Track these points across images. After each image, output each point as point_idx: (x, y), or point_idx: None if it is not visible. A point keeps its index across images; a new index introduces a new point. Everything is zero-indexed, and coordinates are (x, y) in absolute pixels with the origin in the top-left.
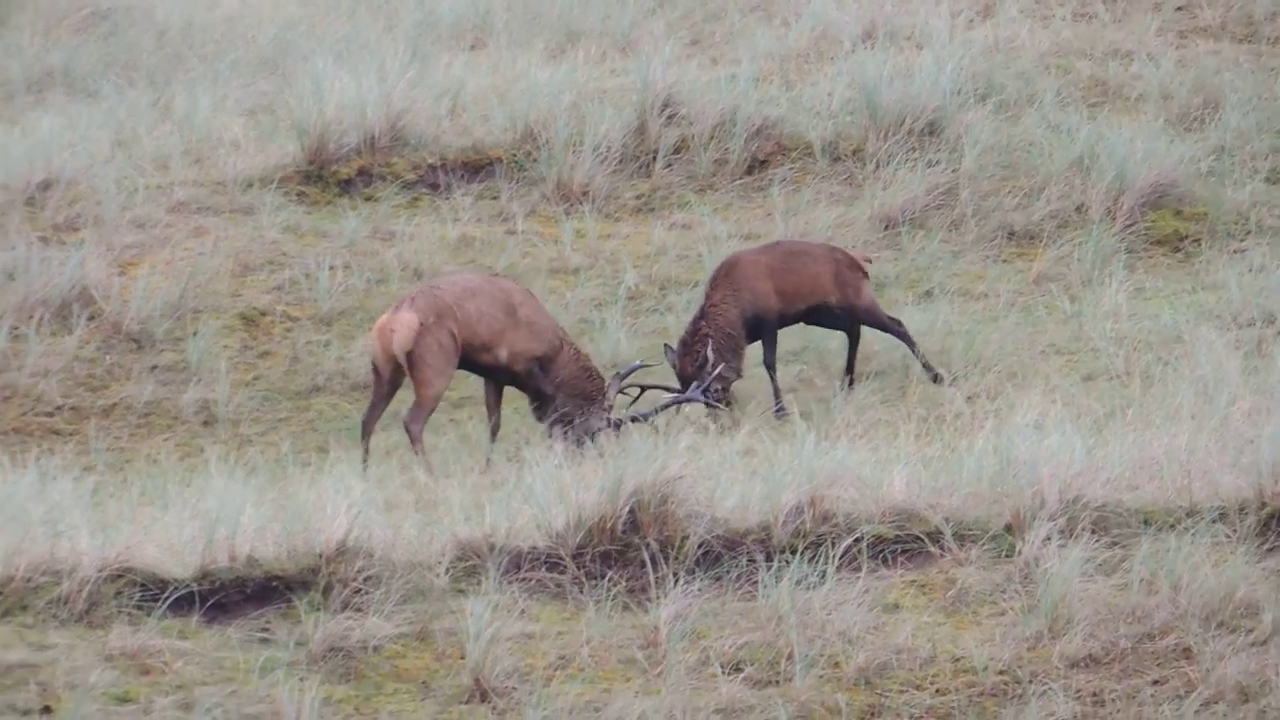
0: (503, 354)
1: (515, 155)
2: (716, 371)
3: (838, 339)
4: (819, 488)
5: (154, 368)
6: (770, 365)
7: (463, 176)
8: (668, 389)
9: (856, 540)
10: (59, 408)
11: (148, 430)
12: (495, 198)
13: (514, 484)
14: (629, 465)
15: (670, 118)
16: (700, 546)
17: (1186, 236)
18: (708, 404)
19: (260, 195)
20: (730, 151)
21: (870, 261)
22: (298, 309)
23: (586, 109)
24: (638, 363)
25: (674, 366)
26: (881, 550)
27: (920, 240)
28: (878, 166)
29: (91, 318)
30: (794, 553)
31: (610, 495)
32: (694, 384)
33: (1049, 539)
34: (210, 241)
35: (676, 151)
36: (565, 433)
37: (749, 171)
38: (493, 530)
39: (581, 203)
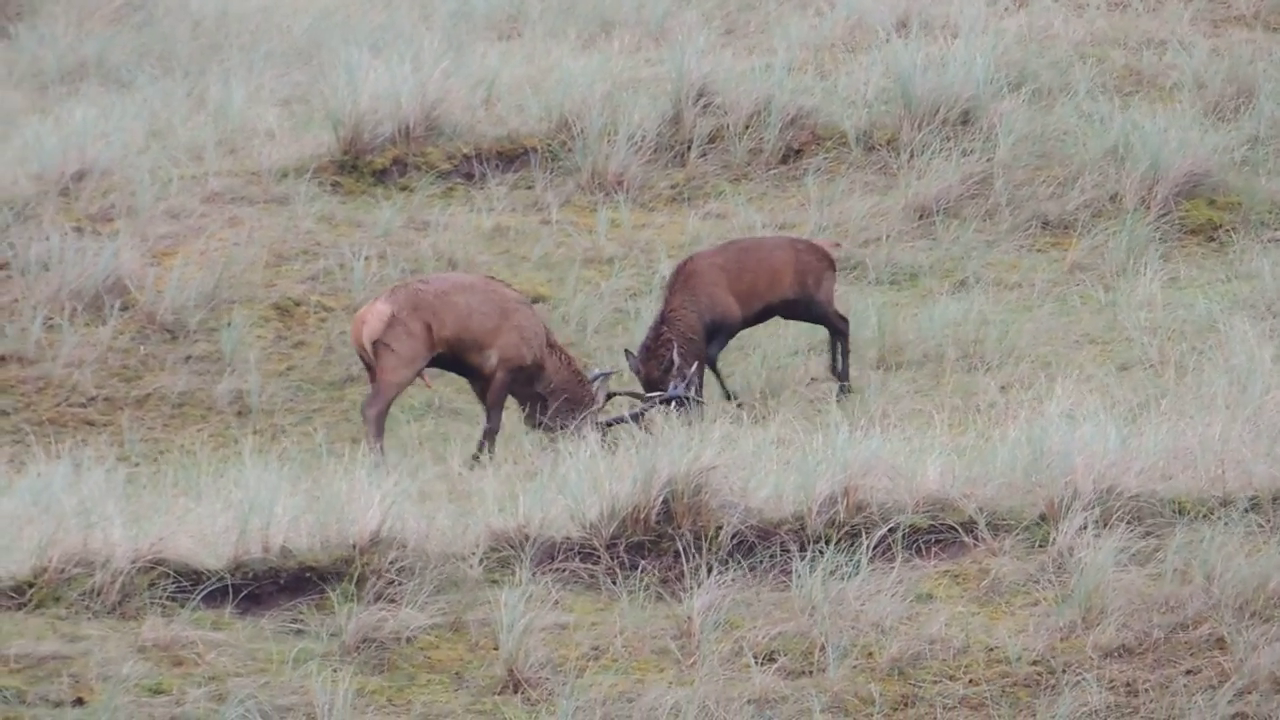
0: (492, 357)
1: (550, 145)
2: (690, 375)
3: (870, 328)
4: (853, 477)
5: (188, 358)
6: (713, 363)
7: (497, 166)
8: (635, 395)
9: (890, 530)
10: (93, 398)
11: (181, 421)
12: (530, 187)
13: (548, 475)
14: (663, 455)
15: (705, 107)
16: (734, 537)
17: (1220, 226)
18: (680, 403)
19: (295, 185)
20: (765, 141)
21: (839, 247)
22: (332, 299)
23: (621, 98)
24: (608, 369)
25: (637, 372)
26: (915, 540)
27: (954, 230)
28: (912, 156)
29: (125, 308)
30: (828, 543)
31: (644, 485)
32: (673, 385)
33: (1083, 529)
34: (244, 232)
35: (711, 141)
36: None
37: (783, 161)
38: (526, 521)
39: (616, 192)
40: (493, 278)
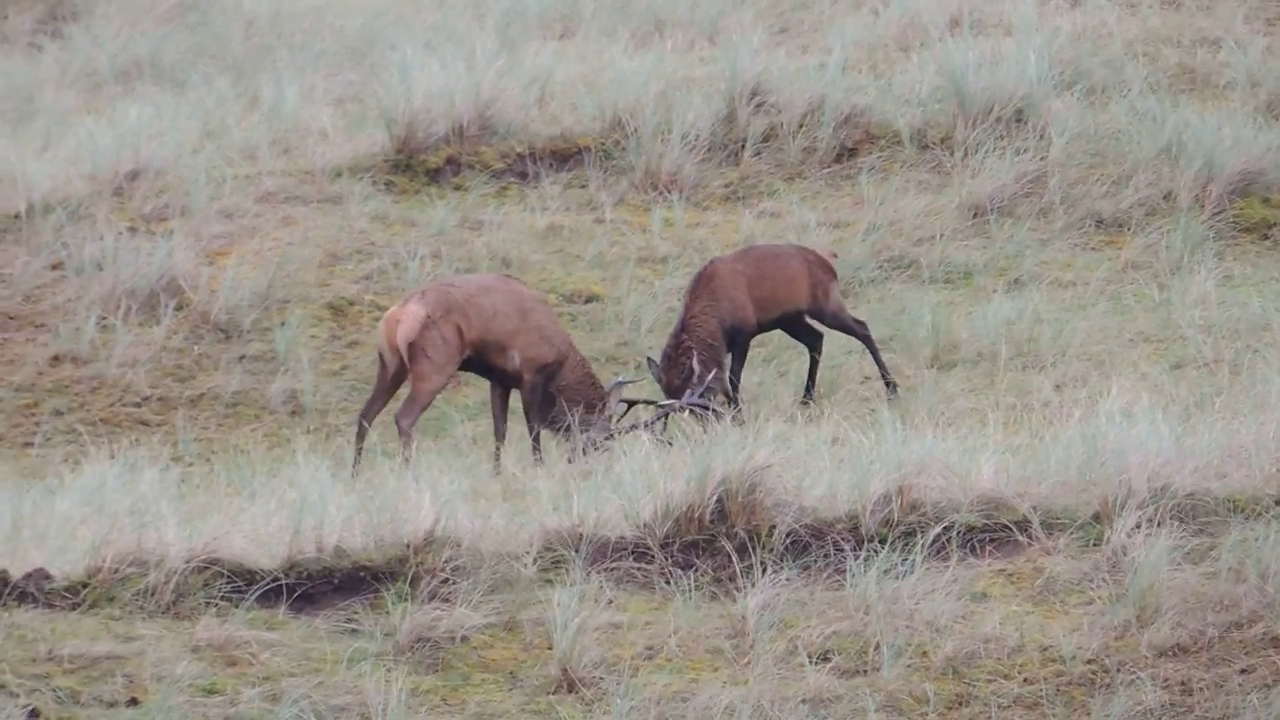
0: (514, 357)
1: (603, 144)
2: (705, 383)
3: (924, 326)
4: (907, 476)
5: (242, 358)
6: (736, 382)
7: (551, 165)
8: (650, 402)
9: (945, 529)
10: (147, 398)
11: (235, 420)
12: (584, 186)
13: (602, 474)
14: (717, 454)
15: (758, 106)
16: (788, 536)
17: (1275, 224)
18: (696, 412)
19: (349, 185)
20: (819, 140)
21: (836, 257)
22: (386, 299)
23: (674, 97)
24: (627, 377)
25: (658, 380)
26: (970, 539)
27: (1009, 228)
28: (966, 154)
29: (179, 308)
30: (882, 542)
31: (698, 485)
32: (687, 393)
33: (1137, 527)
34: (298, 231)
35: (765, 140)
36: (568, 439)
37: (837, 160)
38: (580, 520)
39: (670, 191)
40: (510, 276)
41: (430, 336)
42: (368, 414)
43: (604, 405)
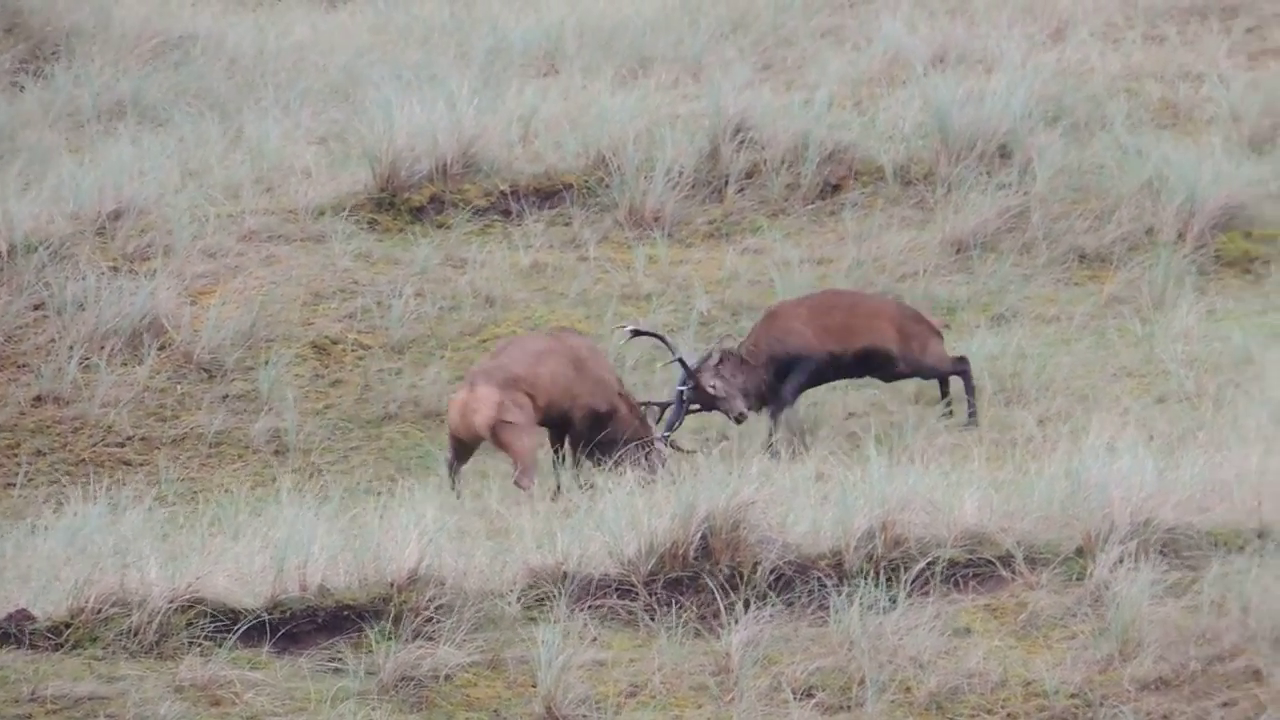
0: (574, 411)
1: (587, 181)
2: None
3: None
4: (890, 512)
5: (225, 397)
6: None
7: (535, 203)
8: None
9: (928, 564)
10: (129, 438)
11: (218, 460)
12: (567, 224)
13: (585, 511)
14: (701, 491)
15: (742, 143)
16: (772, 572)
17: (1257, 258)
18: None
19: (332, 223)
20: (802, 176)
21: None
22: (369, 337)
23: (658, 134)
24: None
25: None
26: (953, 574)
27: (992, 263)
28: (949, 190)
29: (162, 347)
30: (865, 577)
31: (682, 522)
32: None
33: (1120, 562)
34: (282, 270)
35: (748, 176)
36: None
37: (821, 196)
38: (564, 558)
39: (653, 228)
40: (562, 329)
41: (507, 408)
42: (453, 478)
43: (650, 431)
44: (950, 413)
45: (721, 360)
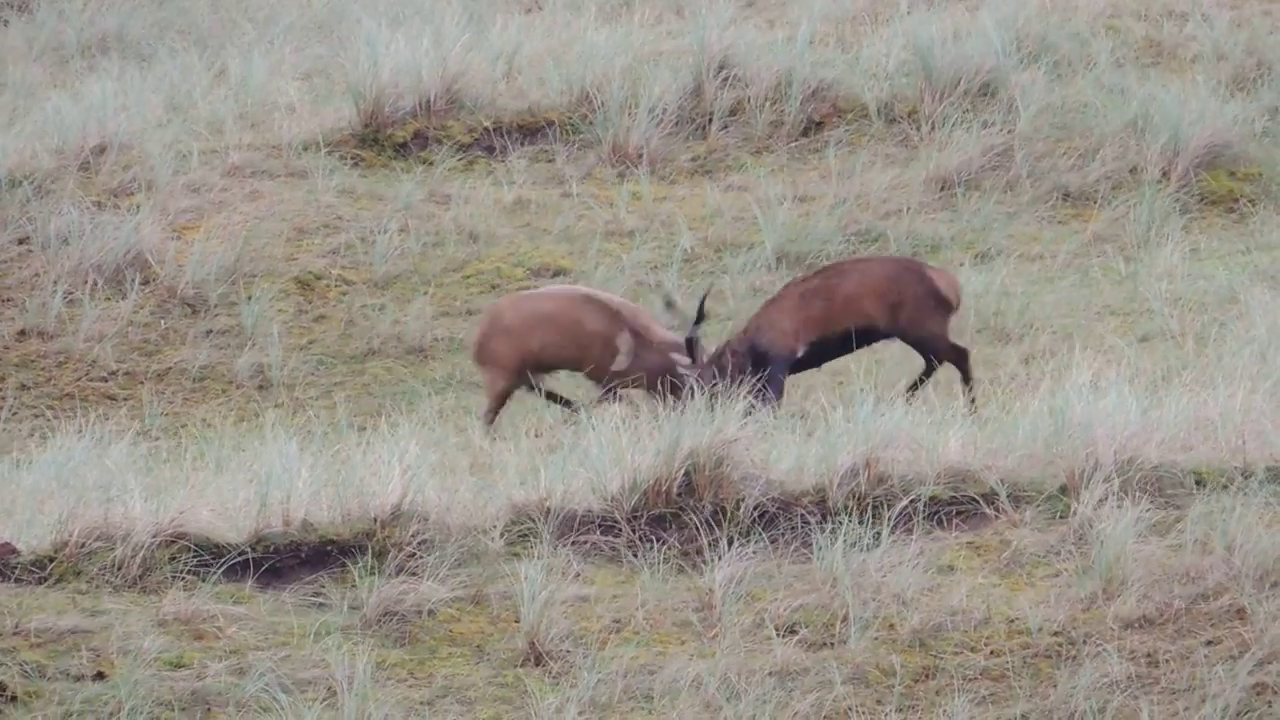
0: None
1: (570, 118)
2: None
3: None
4: (874, 450)
5: (209, 332)
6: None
7: (518, 139)
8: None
9: (911, 502)
10: (113, 373)
11: (202, 395)
12: (550, 161)
13: (569, 447)
14: (685, 428)
15: (726, 80)
16: (755, 509)
17: (1241, 197)
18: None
19: (315, 159)
20: (786, 114)
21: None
22: (353, 273)
23: (642, 71)
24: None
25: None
26: (936, 512)
27: (975, 202)
28: (933, 128)
29: (146, 282)
30: (849, 514)
31: (666, 458)
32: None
33: (1103, 500)
34: (265, 206)
35: (732, 114)
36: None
37: (804, 133)
38: (548, 493)
39: (637, 165)
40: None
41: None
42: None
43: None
44: (909, 399)
45: (721, 355)
